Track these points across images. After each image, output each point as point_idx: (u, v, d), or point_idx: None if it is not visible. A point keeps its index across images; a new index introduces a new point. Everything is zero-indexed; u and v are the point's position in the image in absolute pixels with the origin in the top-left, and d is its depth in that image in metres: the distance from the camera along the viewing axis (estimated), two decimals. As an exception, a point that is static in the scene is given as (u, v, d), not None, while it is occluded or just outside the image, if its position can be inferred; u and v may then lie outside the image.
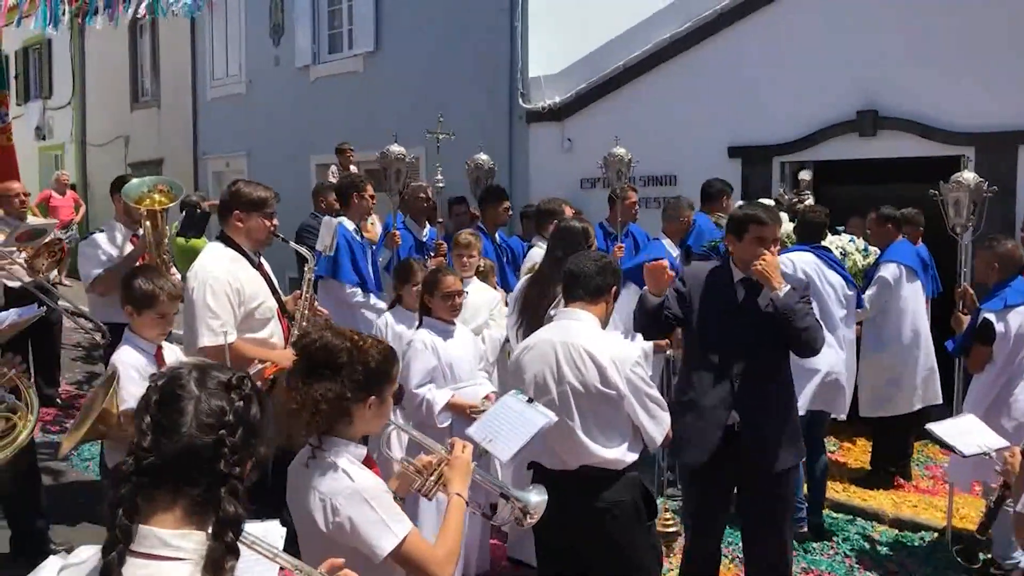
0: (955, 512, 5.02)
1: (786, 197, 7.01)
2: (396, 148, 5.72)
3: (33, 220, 6.24)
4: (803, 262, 4.92)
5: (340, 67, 12.05)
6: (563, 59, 9.62)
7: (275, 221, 3.93)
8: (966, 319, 4.83)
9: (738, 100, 8.36)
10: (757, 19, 8.30)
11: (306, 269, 4.04)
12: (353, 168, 9.03)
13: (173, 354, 3.37)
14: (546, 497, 2.26)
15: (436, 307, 4.13)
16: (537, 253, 5.35)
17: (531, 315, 4.17)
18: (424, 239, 6.35)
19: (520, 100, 9.83)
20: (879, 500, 5.51)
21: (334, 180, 8.75)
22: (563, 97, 9.59)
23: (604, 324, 3.05)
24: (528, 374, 3.02)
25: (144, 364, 3.18)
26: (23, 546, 4.12)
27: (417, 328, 4.15)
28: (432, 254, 5.82)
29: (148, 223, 4.52)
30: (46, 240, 4.15)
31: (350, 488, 2.09)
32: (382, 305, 5.31)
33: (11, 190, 6.14)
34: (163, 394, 1.42)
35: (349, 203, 5.60)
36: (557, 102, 9.60)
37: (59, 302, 4.09)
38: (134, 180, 4.66)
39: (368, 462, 2.22)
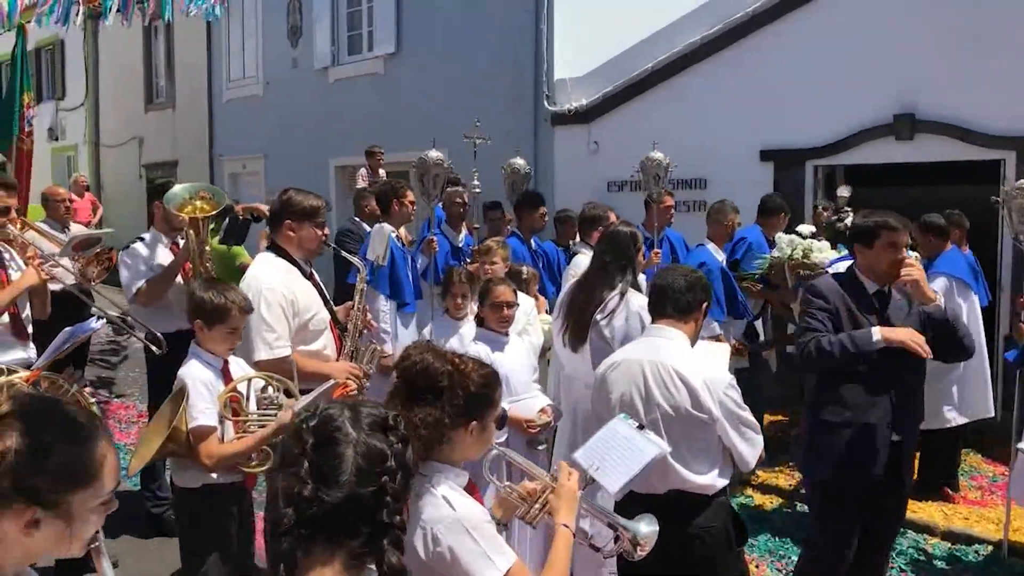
0: (1011, 524, 4.91)
1: (825, 215, 6.88)
2: (434, 153, 5.61)
3: (79, 228, 6.17)
4: None
5: (360, 69, 11.96)
6: (589, 61, 9.51)
7: (327, 230, 3.83)
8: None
9: (770, 103, 8.26)
10: (790, 21, 8.19)
11: (358, 279, 3.94)
12: (382, 172, 8.93)
13: (239, 368, 3.27)
14: (657, 528, 2.17)
15: (488, 317, 4.04)
16: (583, 260, 5.25)
17: (576, 320, 4.08)
18: (460, 245, 6.25)
19: (545, 102, 9.72)
20: (929, 512, 5.40)
21: (364, 183, 8.66)
22: (589, 99, 9.48)
23: (693, 342, 2.95)
24: (614, 393, 2.93)
25: (212, 379, 3.08)
26: (68, 560, 4.03)
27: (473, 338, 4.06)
28: (469, 260, 5.72)
29: (191, 231, 4.42)
30: (98, 249, 4.06)
31: (451, 517, 1.99)
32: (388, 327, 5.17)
33: (57, 195, 6.05)
34: (318, 437, 1.33)
35: (389, 210, 5.51)
36: (584, 104, 9.50)
37: (108, 311, 3.98)
38: (176, 187, 4.55)
39: (470, 488, 2.12)
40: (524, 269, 5.31)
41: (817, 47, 7.98)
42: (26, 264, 3.87)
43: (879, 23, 7.62)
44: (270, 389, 3.11)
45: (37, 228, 5.05)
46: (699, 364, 2.84)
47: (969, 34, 7.20)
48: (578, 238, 5.83)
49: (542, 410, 4.04)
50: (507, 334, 4.11)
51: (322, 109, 12.47)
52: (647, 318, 3.91)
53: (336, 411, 1.37)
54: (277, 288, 3.57)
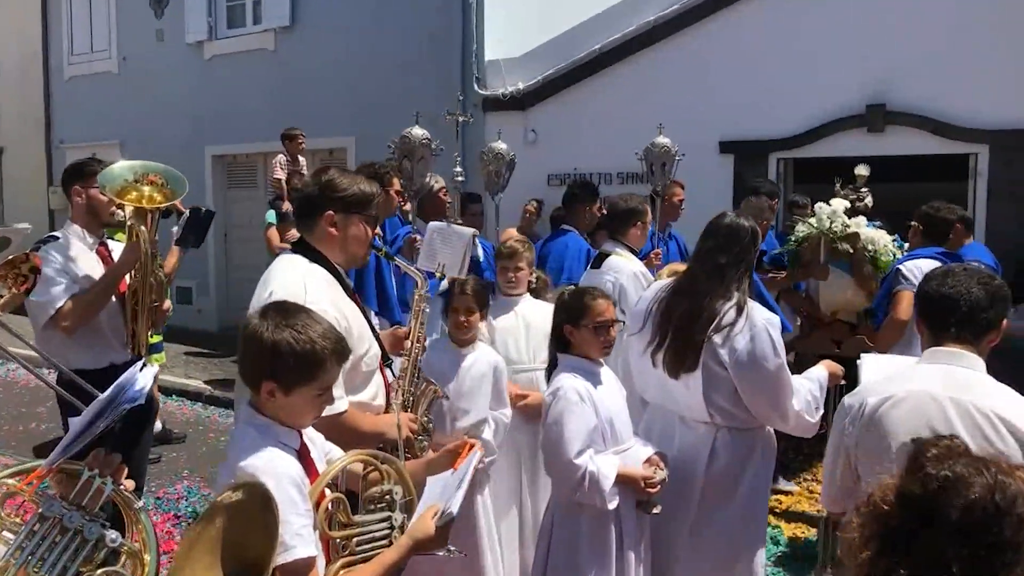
0: None
1: (842, 192, 6.37)
2: (419, 131, 4.52)
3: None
4: (917, 268, 4.22)
5: (244, 44, 10.42)
6: (526, 41, 8.62)
7: (377, 230, 2.71)
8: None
9: (730, 91, 7.71)
10: (754, 3, 7.67)
11: (416, 297, 2.83)
12: (302, 159, 7.59)
13: (317, 447, 2.10)
14: None
15: (583, 341, 3.04)
16: (620, 264, 4.35)
17: (683, 338, 3.15)
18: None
19: (476, 85, 8.72)
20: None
21: (283, 173, 7.29)
22: (527, 83, 8.60)
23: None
24: (899, 438, 2.05)
25: (301, 474, 1.90)
26: None
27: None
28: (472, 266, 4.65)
29: (140, 227, 3.11)
30: (10, 256, 2.65)
31: None
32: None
33: None
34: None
35: (369, 201, 4.34)
36: (520, 89, 8.60)
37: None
38: (115, 166, 3.22)
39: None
40: (535, 275, 4.33)
41: (783, 32, 7.52)
42: None
43: (852, 8, 7.24)
44: (383, 484, 1.97)
45: None
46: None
47: (943, 23, 6.95)
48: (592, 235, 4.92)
49: (648, 460, 3.09)
50: (602, 362, 3.13)
51: (196, 90, 10.81)
52: (777, 338, 3.09)
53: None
54: (328, 312, 2.41)
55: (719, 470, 3.17)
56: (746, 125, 7.71)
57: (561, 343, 3.11)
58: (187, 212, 3.50)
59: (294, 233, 6.59)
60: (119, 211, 3.29)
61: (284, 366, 1.89)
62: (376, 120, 8.36)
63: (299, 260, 2.61)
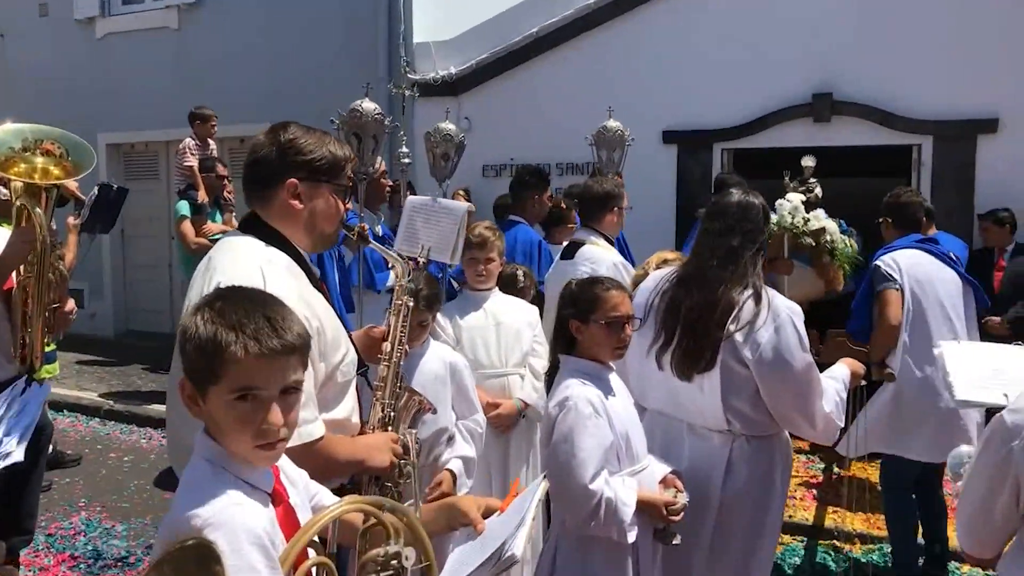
0: None
1: (791, 185, 6.14)
2: (370, 104, 3.95)
3: None
4: (911, 265, 3.95)
5: (143, 21, 9.50)
6: (457, 23, 8.10)
7: (349, 204, 2.15)
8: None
9: (673, 79, 7.43)
10: (699, -13, 7.38)
11: (396, 289, 2.27)
12: (212, 144, 6.81)
13: (298, 490, 1.53)
14: None
15: (593, 340, 2.55)
16: (597, 254, 3.90)
17: (697, 334, 2.72)
18: (379, 232, 4.59)
19: (404, 69, 8.13)
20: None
21: (193, 159, 6.51)
22: (459, 68, 8.07)
23: None
24: None
25: (268, 526, 1.34)
26: None
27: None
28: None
29: (37, 209, 2.43)
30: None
31: None
32: None
33: None
34: None
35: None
36: (452, 74, 8.06)
37: None
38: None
39: None
40: (520, 271, 3.84)
41: (728, 18, 7.28)
42: None
43: (798, -5, 7.04)
44: (390, 544, 1.41)
45: None
46: None
47: (890, 13, 6.84)
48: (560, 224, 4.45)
49: (664, 481, 2.63)
50: (612, 367, 2.65)
51: (87, 72, 9.79)
52: (803, 329, 2.71)
53: None
54: (297, 309, 1.84)
55: (738, 484, 2.77)
56: (690, 114, 7.43)
57: (565, 342, 2.62)
58: (95, 190, 2.84)
59: (211, 227, 5.91)
60: (2, 189, 2.60)
61: (187, 356, 1.43)
62: (292, 107, 7.62)
63: (252, 243, 2.03)
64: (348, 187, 2.13)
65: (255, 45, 8.76)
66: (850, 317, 4.27)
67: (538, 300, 3.95)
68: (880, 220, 4.39)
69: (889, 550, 4.68)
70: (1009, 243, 6.20)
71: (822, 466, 5.76)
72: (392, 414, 2.28)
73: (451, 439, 3.14)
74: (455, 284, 4.47)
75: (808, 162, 5.82)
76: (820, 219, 5.27)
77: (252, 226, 2.07)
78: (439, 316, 3.54)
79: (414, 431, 2.30)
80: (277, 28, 8.70)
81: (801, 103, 7.09)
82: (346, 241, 4.10)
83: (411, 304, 2.30)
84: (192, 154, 6.59)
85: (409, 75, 8.08)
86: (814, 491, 5.36)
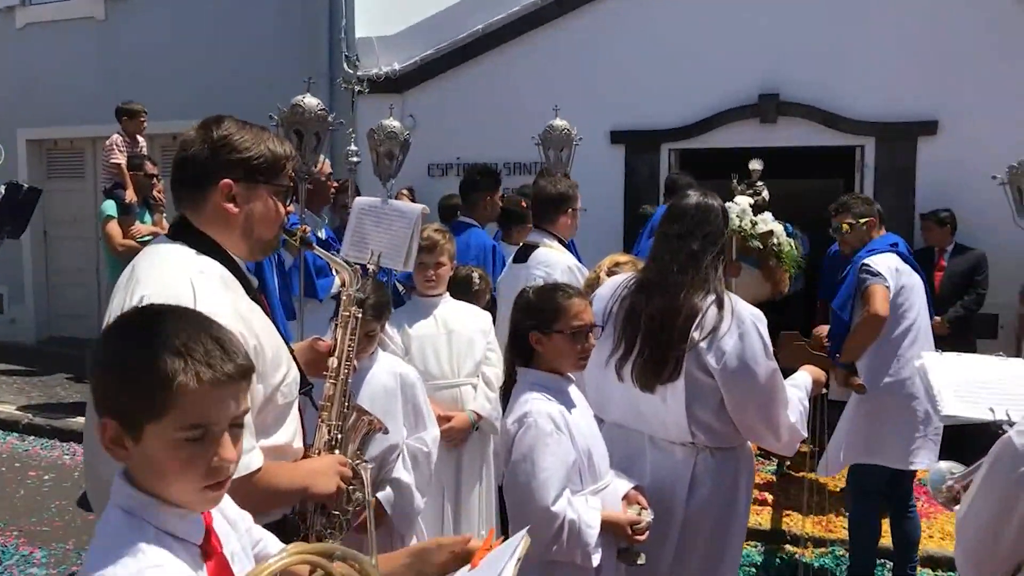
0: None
1: (739, 188, 6.12)
2: (312, 100, 3.73)
3: None
4: (891, 268, 3.90)
5: (66, 11, 9.03)
6: (401, 17, 7.88)
7: (291, 206, 1.96)
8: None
9: (623, 78, 7.35)
10: (646, -13, 7.32)
11: (343, 299, 2.08)
12: (142, 140, 6.46)
13: (235, 537, 1.33)
14: None
15: (554, 352, 2.40)
16: (551, 257, 3.76)
17: (660, 343, 2.60)
18: (322, 236, 4.36)
19: (345, 65, 7.87)
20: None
21: (121, 156, 6.16)
22: (403, 64, 7.85)
23: None
24: None
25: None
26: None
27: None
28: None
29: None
30: None
31: None
32: None
33: None
34: None
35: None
36: (396, 70, 7.83)
37: None
38: None
39: None
40: (476, 273, 3.67)
41: (675, 17, 7.24)
42: None
43: (744, -4, 7.04)
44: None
45: None
46: None
47: (835, 14, 6.88)
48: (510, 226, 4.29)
49: (627, 497, 2.50)
50: (572, 379, 2.50)
51: (6, 63, 9.26)
52: (766, 335, 2.62)
53: None
54: (231, 325, 1.65)
55: (702, 499, 2.66)
56: (637, 114, 7.37)
57: (523, 354, 2.46)
58: (0, 190, 2.56)
59: (140, 229, 5.58)
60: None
61: (111, 390, 1.20)
62: (228, 102, 7.25)
63: (181, 251, 1.82)
64: (289, 188, 1.93)
65: (188, 36, 8.38)
66: (830, 320, 4.17)
67: (492, 305, 3.79)
68: (864, 220, 4.24)
69: (841, 553, 4.68)
70: (949, 243, 6.28)
71: (774, 468, 5.75)
72: (340, 436, 2.09)
73: (402, 455, 2.96)
74: (400, 288, 4.28)
75: (756, 165, 5.80)
76: (768, 222, 5.28)
77: (182, 232, 1.86)
78: (386, 325, 3.36)
79: (370, 465, 2.12)
80: (211, 19, 8.34)
81: (747, 104, 7.08)
82: (286, 244, 3.87)
83: (359, 315, 2.11)
84: (120, 151, 6.22)
85: (352, 71, 7.83)
86: (767, 494, 5.33)
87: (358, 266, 2.13)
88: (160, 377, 1.18)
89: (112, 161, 6.22)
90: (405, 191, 7.24)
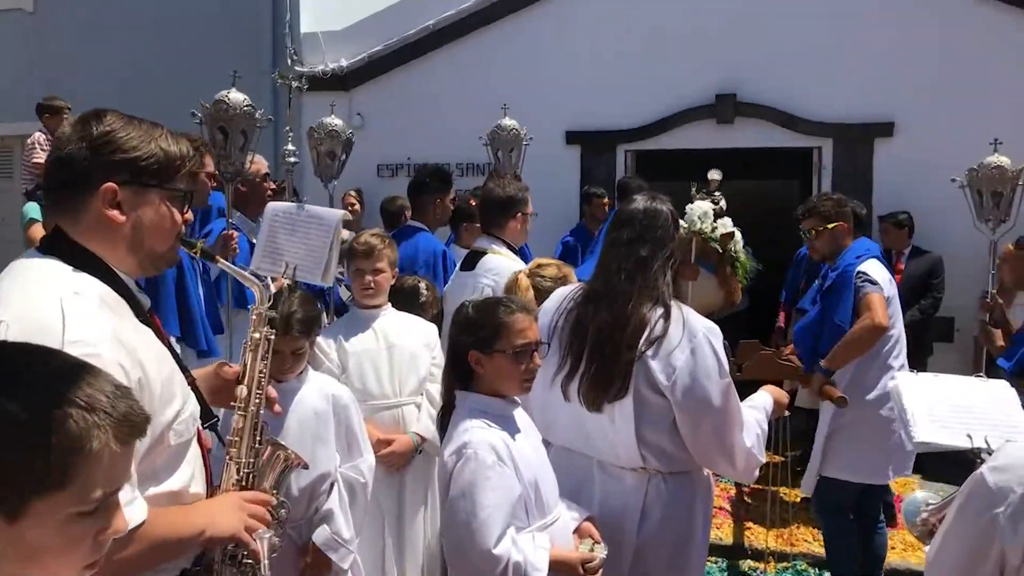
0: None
1: (698, 196, 5.98)
2: (238, 95, 3.45)
3: None
4: (884, 277, 3.76)
5: (-9, 1, 8.52)
6: (348, 12, 7.60)
7: (188, 214, 1.70)
8: (998, 333, 4.10)
9: (578, 77, 7.17)
10: (601, -16, 7.14)
11: (253, 318, 1.83)
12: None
13: None
14: None
15: (496, 373, 2.17)
16: (500, 264, 3.53)
17: (606, 358, 2.39)
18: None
19: (290, 60, 7.55)
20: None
21: (42, 155, 5.76)
22: (351, 61, 7.57)
23: None
24: None
25: None
26: None
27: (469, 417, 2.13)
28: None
29: None
30: None
31: None
32: None
33: None
34: None
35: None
36: (343, 66, 7.54)
37: None
38: None
39: None
40: (423, 284, 3.43)
41: (632, 15, 7.06)
42: None
43: (701, -7, 6.89)
44: None
45: None
46: None
47: (791, 12, 6.77)
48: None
49: (579, 531, 2.29)
50: (518, 402, 2.27)
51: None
52: (720, 350, 2.41)
53: None
54: (104, 356, 1.40)
55: (655, 528, 2.45)
56: (593, 114, 7.18)
57: (462, 376, 2.22)
58: None
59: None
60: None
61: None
62: (164, 100, 6.97)
63: (53, 268, 1.55)
64: (186, 193, 1.67)
65: (122, 30, 7.97)
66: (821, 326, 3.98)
67: (441, 317, 3.55)
68: (835, 225, 4.07)
69: (803, 567, 4.54)
70: (907, 246, 6.21)
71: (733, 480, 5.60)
72: (251, 475, 1.84)
73: (334, 485, 2.71)
74: (348, 295, 4.01)
75: (714, 175, 5.66)
76: (728, 226, 5.18)
77: (56, 245, 1.58)
78: (320, 339, 3.10)
79: (285, 510, 1.86)
80: (148, 12, 7.94)
81: (705, 104, 6.94)
82: (216, 250, 3.57)
83: (271, 337, 1.86)
84: (42, 150, 5.84)
85: (296, 67, 7.51)
86: (726, 506, 5.17)
87: (271, 280, 1.87)
88: (67, 439, 0.93)
89: (34, 161, 5.83)
90: (353, 193, 6.96)
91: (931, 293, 6.06)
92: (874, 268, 3.66)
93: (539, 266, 3.14)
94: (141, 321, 1.64)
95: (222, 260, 1.85)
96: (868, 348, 3.58)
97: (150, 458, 1.55)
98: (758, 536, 4.76)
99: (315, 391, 2.68)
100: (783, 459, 4.84)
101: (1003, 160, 4.22)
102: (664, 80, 6.95)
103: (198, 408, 1.70)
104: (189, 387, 1.71)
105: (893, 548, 4.63)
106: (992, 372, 4.26)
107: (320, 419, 2.66)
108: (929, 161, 6.32)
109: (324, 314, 4.37)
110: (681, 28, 6.90)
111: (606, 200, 6.57)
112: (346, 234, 4.18)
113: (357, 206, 6.85)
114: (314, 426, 2.63)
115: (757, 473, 2.60)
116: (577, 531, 2.30)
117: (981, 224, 4.34)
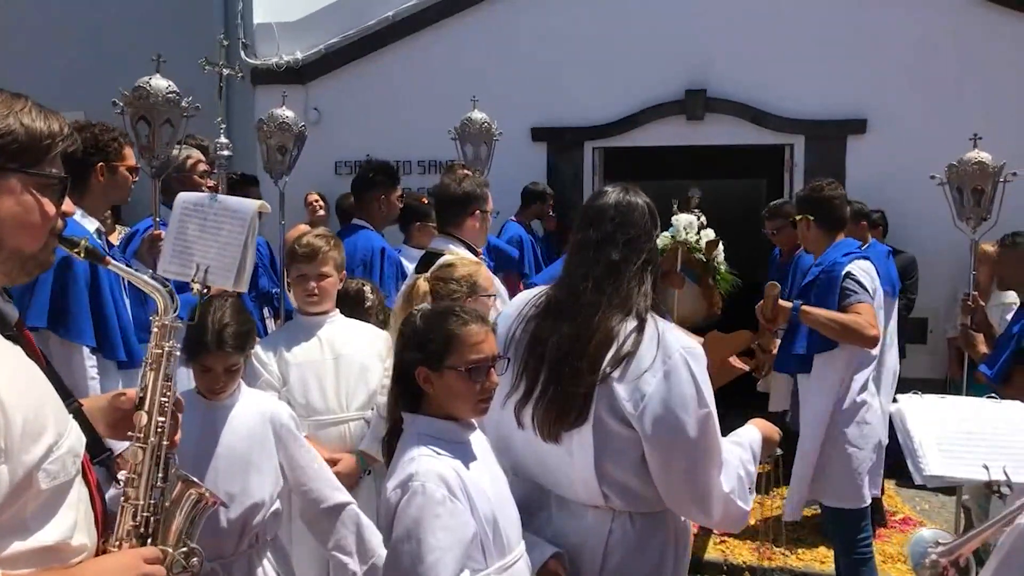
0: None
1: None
2: (161, 81, 3.13)
3: None
4: (873, 280, 3.57)
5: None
6: (302, 3, 7.28)
7: (71, 206, 1.40)
8: (979, 336, 3.93)
9: (544, 71, 6.93)
10: (568, -24, 6.91)
11: (154, 331, 1.54)
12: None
13: None
14: None
15: (448, 393, 1.89)
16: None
17: (564, 379, 2.04)
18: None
19: (242, 52, 7.21)
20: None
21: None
22: (306, 53, 7.24)
23: None
24: None
25: None
26: None
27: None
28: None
29: None
30: None
31: None
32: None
33: None
34: None
35: (88, 183, 2.87)
36: (298, 59, 7.21)
37: None
38: None
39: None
40: (368, 286, 3.15)
41: (600, 11, 6.83)
42: None
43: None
44: None
45: None
46: None
47: (761, 8, 6.60)
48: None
49: (545, 569, 2.01)
50: (475, 425, 2.00)
51: None
52: (701, 374, 2.01)
53: None
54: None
55: (617, 573, 2.08)
56: (560, 110, 6.94)
57: (410, 396, 1.95)
58: None
59: None
60: None
61: None
62: (109, 91, 6.65)
63: None
64: (59, 179, 1.38)
65: (63, 22, 7.60)
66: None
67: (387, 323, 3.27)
68: (799, 217, 3.85)
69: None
70: (881, 245, 6.06)
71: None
72: (153, 519, 1.54)
73: (276, 514, 2.41)
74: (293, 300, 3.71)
75: (694, 193, 5.46)
76: (711, 235, 5.05)
77: None
78: (259, 349, 2.81)
79: (196, 559, 1.57)
80: (96, 3, 7.58)
81: (674, 100, 6.74)
82: (138, 253, 3.25)
83: (176, 353, 1.57)
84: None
85: (249, 59, 7.17)
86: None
87: (172, 285, 1.59)
88: None
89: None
90: (316, 196, 6.60)
91: (905, 294, 5.90)
92: (864, 270, 3.45)
93: (446, 267, 2.85)
94: (7, 337, 1.35)
95: (113, 262, 1.55)
96: (845, 342, 3.38)
97: (15, 507, 1.26)
98: (733, 550, 4.55)
99: (250, 410, 2.39)
100: (760, 469, 4.65)
101: (984, 156, 4.05)
102: (633, 75, 6.74)
103: (82, 441, 1.41)
104: (72, 415, 1.42)
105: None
106: (971, 378, 4.11)
107: (255, 441, 2.37)
108: (903, 159, 6.19)
109: (273, 323, 4.08)
110: (650, 21, 6.69)
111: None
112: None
113: (322, 207, 6.52)
114: (247, 450, 2.34)
115: (742, 524, 2.20)
116: (544, 570, 2.03)
117: (961, 223, 4.18)
